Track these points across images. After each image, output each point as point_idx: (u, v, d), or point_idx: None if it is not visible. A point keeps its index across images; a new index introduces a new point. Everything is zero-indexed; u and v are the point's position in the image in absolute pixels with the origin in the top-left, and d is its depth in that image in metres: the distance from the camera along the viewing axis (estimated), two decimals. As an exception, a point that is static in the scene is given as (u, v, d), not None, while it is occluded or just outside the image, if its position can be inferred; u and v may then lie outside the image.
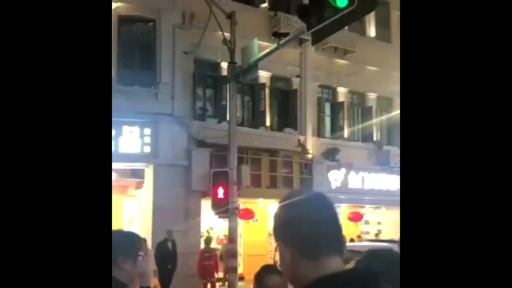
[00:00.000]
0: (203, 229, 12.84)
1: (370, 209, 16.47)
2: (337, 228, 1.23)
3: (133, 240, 2.19)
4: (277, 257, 1.23)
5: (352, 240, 12.43)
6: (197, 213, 12.18)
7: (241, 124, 12.86)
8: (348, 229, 14.16)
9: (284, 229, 1.22)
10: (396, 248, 2.30)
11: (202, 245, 11.75)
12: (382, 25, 17.04)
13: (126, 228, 12.12)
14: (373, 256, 1.69)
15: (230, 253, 8.96)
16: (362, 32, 16.42)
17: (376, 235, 15.88)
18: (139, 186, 12.44)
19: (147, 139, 11.98)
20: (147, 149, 11.95)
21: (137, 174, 12.36)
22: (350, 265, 1.46)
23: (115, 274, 1.96)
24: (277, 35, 13.03)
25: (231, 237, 8.80)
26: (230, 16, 9.24)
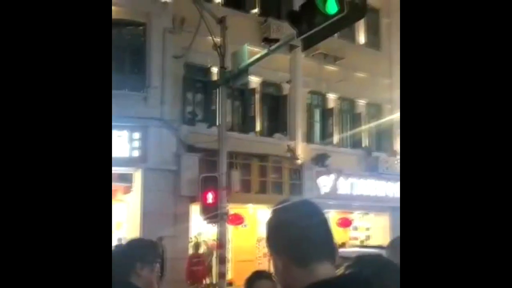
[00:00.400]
0: (192, 234, 12.78)
1: (359, 215, 16.54)
2: (327, 234, 1.24)
3: (150, 248, 2.27)
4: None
5: (340, 246, 12.46)
6: (186, 218, 12.12)
7: (231, 129, 12.85)
8: (337, 235, 14.19)
9: (275, 237, 1.23)
10: (384, 254, 2.31)
11: (191, 251, 11.69)
12: (372, 32, 17.21)
13: (114, 232, 12.03)
14: (363, 261, 1.70)
15: (219, 259, 8.93)
16: (352, 39, 16.55)
17: (362, 241, 15.91)
18: (127, 190, 12.35)
19: (136, 144, 11.91)
20: (136, 153, 11.88)
21: (126, 179, 12.28)
22: (340, 270, 1.47)
23: (133, 280, 2.08)
24: (267, 40, 13.08)
25: (220, 243, 8.77)
26: (221, 21, 9.27)
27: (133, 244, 2.26)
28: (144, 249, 2.22)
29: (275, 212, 1.26)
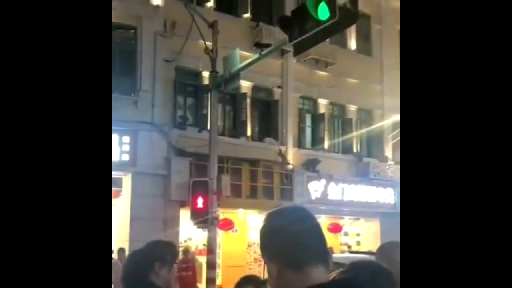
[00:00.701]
0: (182, 239, 12.71)
1: (349, 220, 16.57)
2: (320, 239, 1.25)
3: (170, 249, 2.43)
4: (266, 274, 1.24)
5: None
6: (176, 223, 12.05)
7: (222, 133, 12.85)
8: (328, 241, 14.15)
9: (269, 242, 1.24)
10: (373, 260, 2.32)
11: (180, 256, 11.61)
12: (363, 38, 17.33)
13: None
14: (357, 267, 1.71)
15: (209, 264, 8.89)
16: (343, 44, 16.65)
17: (349, 247, 15.92)
18: (116, 194, 12.25)
19: (126, 147, 11.84)
20: (126, 157, 11.81)
21: (115, 183, 12.17)
22: (333, 274, 1.47)
23: (152, 279, 2.24)
24: (259, 45, 13.11)
25: (210, 248, 8.73)
26: (212, 25, 9.28)
27: (153, 245, 2.40)
28: (163, 250, 2.35)
29: (268, 218, 1.28)
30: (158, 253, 2.31)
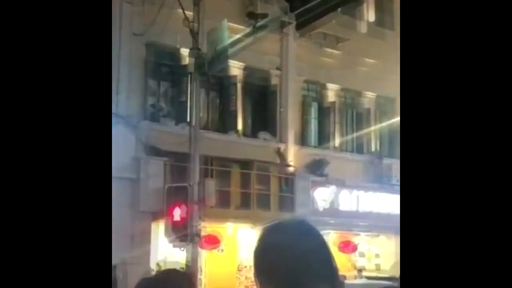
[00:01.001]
0: (154, 260, 12.72)
1: (366, 237, 16.63)
2: (327, 258, 1.26)
3: (185, 281, 2.55)
4: None
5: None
6: (146, 240, 12.06)
7: (206, 127, 12.87)
8: (338, 263, 14.23)
9: (263, 263, 1.25)
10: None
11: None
12: (383, 8, 17.38)
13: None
14: None
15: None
16: (359, 16, 16.69)
17: (360, 270, 15.95)
18: (71, 204, 12.27)
19: (84, 145, 11.85)
20: (84, 157, 11.82)
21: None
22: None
23: None
24: (252, 16, 13.11)
25: (190, 272, 8.74)
26: (194, -10, 9.27)
27: (168, 276, 2.59)
28: (177, 281, 2.47)
29: (264, 234, 1.29)
30: (173, 284, 2.40)
